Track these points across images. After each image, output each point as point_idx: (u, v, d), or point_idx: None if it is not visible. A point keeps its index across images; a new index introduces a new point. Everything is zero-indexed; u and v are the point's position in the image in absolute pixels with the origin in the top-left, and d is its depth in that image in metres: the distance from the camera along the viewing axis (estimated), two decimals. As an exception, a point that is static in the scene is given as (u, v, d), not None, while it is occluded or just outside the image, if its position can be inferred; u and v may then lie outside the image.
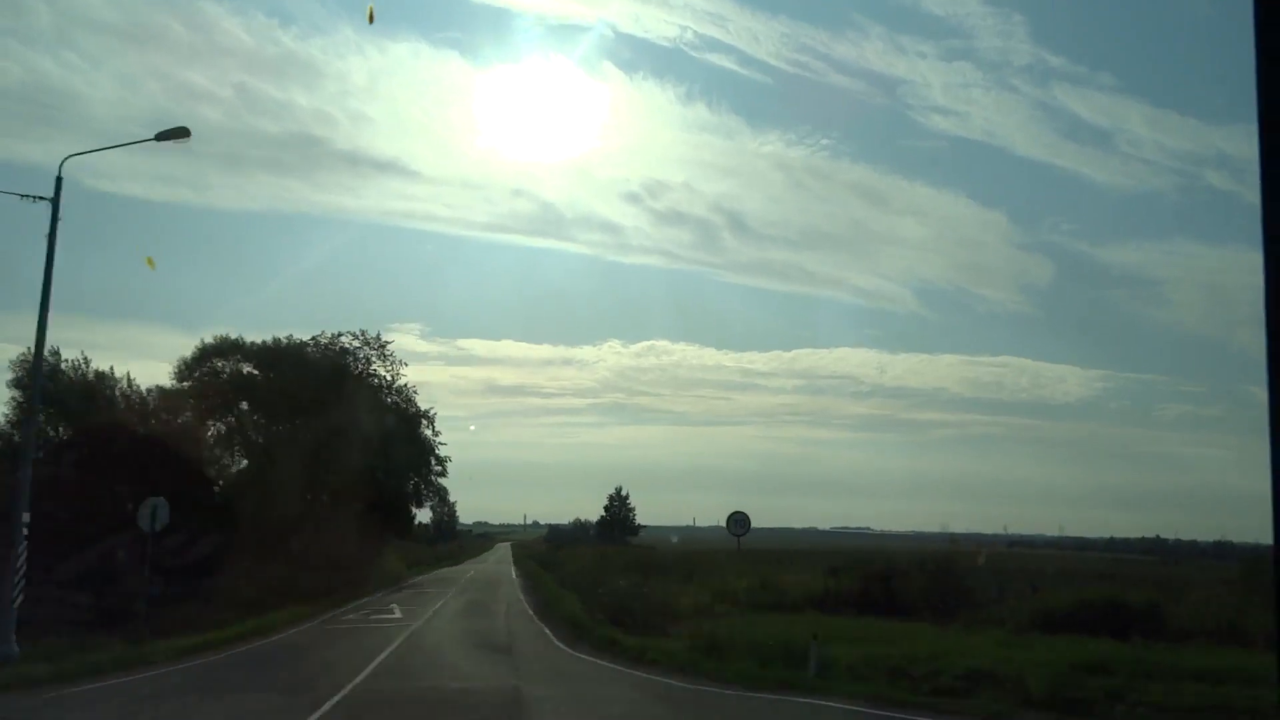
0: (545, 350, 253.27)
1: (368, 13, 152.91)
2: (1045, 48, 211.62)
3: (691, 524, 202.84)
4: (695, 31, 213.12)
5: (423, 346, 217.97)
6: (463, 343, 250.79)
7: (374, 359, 46.43)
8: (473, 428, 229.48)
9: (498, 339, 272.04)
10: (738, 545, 23.56)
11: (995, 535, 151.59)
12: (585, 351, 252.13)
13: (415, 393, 48.81)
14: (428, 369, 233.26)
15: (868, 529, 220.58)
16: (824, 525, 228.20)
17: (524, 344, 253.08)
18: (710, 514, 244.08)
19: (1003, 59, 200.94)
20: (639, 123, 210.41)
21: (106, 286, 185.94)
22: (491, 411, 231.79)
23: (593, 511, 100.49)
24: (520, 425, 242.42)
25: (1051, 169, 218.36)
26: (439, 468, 50.70)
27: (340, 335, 45.62)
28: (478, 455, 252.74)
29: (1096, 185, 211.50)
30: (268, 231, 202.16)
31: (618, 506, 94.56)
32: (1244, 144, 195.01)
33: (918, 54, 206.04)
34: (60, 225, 19.98)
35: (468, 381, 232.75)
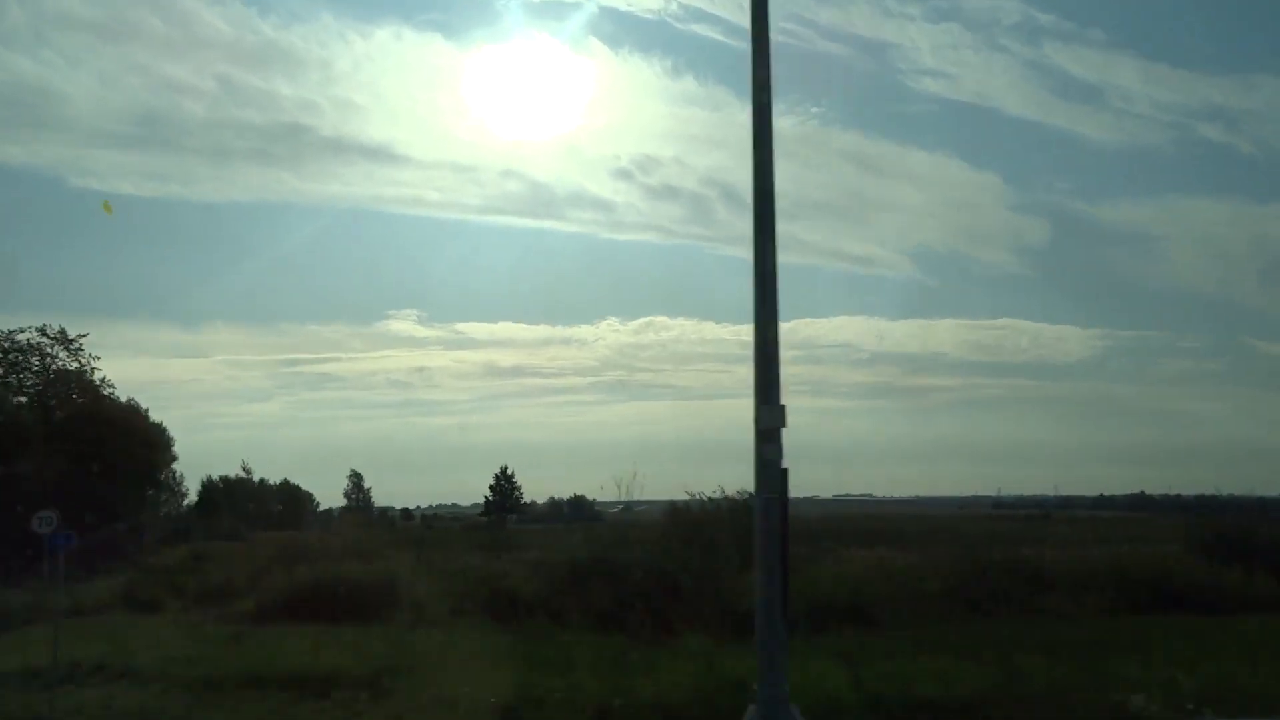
0: (543, 330, 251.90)
1: None
2: (1034, 5, 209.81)
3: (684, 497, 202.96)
4: (680, 3, 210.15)
5: (421, 332, 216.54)
6: (461, 326, 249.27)
7: (61, 355, 42.78)
8: (461, 428, 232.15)
9: (495, 321, 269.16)
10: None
11: (986, 496, 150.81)
12: (583, 330, 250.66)
13: (114, 387, 45.02)
14: (427, 354, 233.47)
15: (870, 495, 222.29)
16: (825, 494, 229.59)
17: (522, 325, 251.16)
18: (730, 487, 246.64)
19: (991, 18, 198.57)
20: (627, 98, 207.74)
21: (100, 286, 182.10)
22: (493, 394, 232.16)
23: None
24: (522, 406, 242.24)
25: (1044, 128, 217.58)
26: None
27: (20, 332, 41.78)
28: (481, 438, 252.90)
29: (1090, 143, 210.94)
30: (258, 223, 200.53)
31: (505, 487, 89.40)
32: (1236, 95, 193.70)
33: (905, 16, 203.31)
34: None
35: (468, 365, 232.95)
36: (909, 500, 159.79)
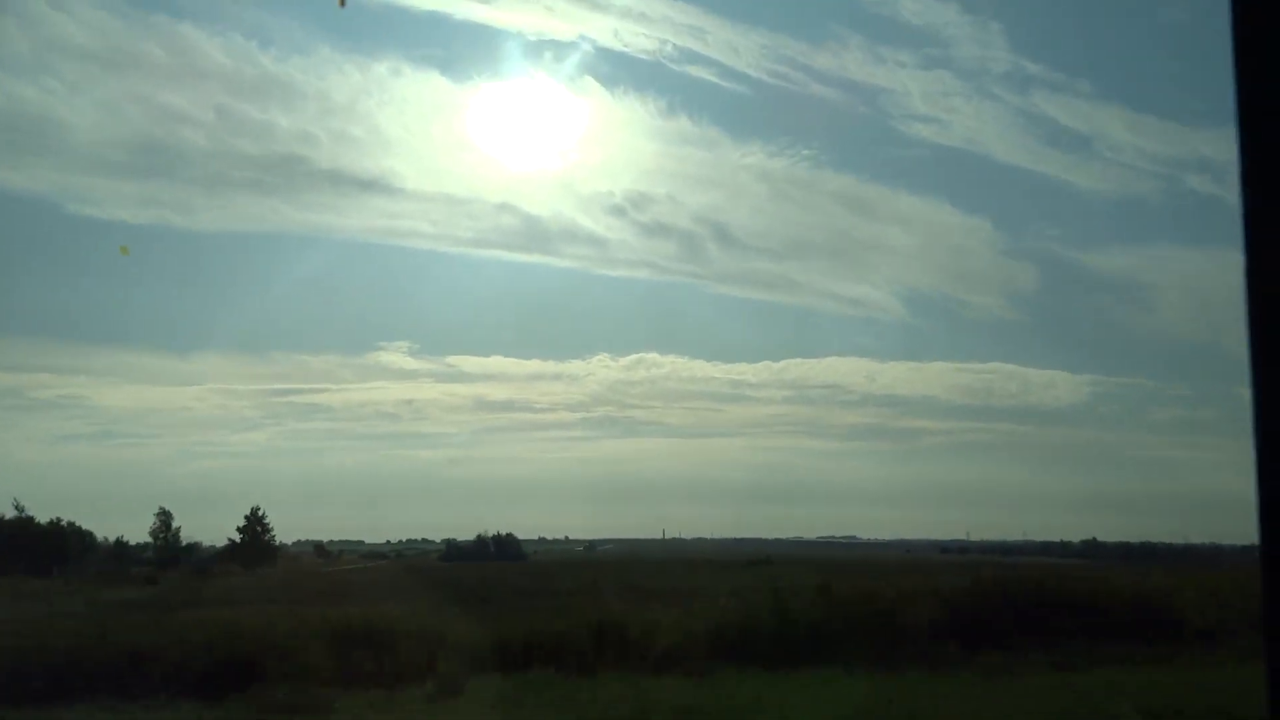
0: (535, 365, 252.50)
1: None
2: (1023, 55, 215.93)
3: (661, 536, 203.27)
4: (675, 45, 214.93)
5: (412, 364, 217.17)
6: (452, 359, 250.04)
7: None
8: (450, 462, 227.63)
9: (487, 355, 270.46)
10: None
11: (953, 540, 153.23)
12: (574, 365, 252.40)
13: None
14: (417, 386, 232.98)
15: (854, 537, 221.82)
16: (810, 535, 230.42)
17: (513, 359, 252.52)
18: (704, 526, 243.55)
19: (981, 67, 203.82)
20: (621, 136, 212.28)
21: (94, 311, 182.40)
22: (483, 427, 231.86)
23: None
24: (512, 441, 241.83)
25: (1034, 175, 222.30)
26: None
27: None
28: (470, 472, 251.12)
29: (1079, 191, 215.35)
30: (253, 252, 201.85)
31: (255, 529, 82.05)
32: (1224, 148, 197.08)
33: (897, 63, 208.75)
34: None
35: (458, 398, 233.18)
36: (891, 543, 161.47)
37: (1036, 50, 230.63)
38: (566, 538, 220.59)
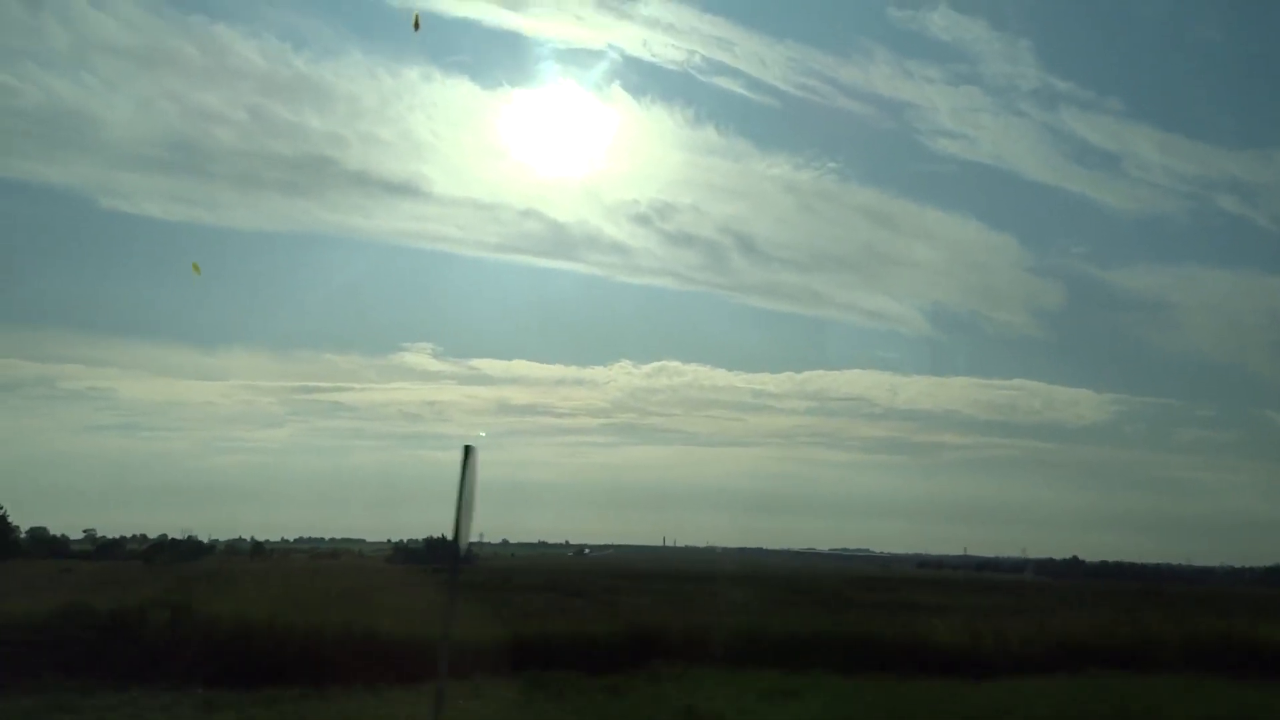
0: (557, 370, 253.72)
1: (414, 20, 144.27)
2: (1052, 72, 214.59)
3: (661, 543, 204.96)
4: (703, 55, 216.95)
5: (435, 366, 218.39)
6: (475, 362, 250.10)
7: None
8: (483, 433, 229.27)
9: (509, 359, 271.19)
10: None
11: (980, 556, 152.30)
12: (597, 372, 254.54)
13: None
14: (440, 388, 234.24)
15: (867, 550, 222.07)
16: (824, 547, 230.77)
17: (536, 364, 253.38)
18: (717, 535, 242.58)
19: (1009, 83, 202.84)
20: (647, 145, 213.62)
21: (124, 305, 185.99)
22: (505, 430, 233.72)
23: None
24: (533, 445, 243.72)
25: (1061, 192, 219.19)
26: None
27: None
28: (493, 475, 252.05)
29: (1106, 209, 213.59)
30: (281, 251, 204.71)
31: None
32: (1254, 168, 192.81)
33: (924, 78, 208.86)
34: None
35: (480, 401, 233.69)
36: (903, 557, 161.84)
37: (1066, 67, 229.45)
38: (567, 542, 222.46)
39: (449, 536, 8.72)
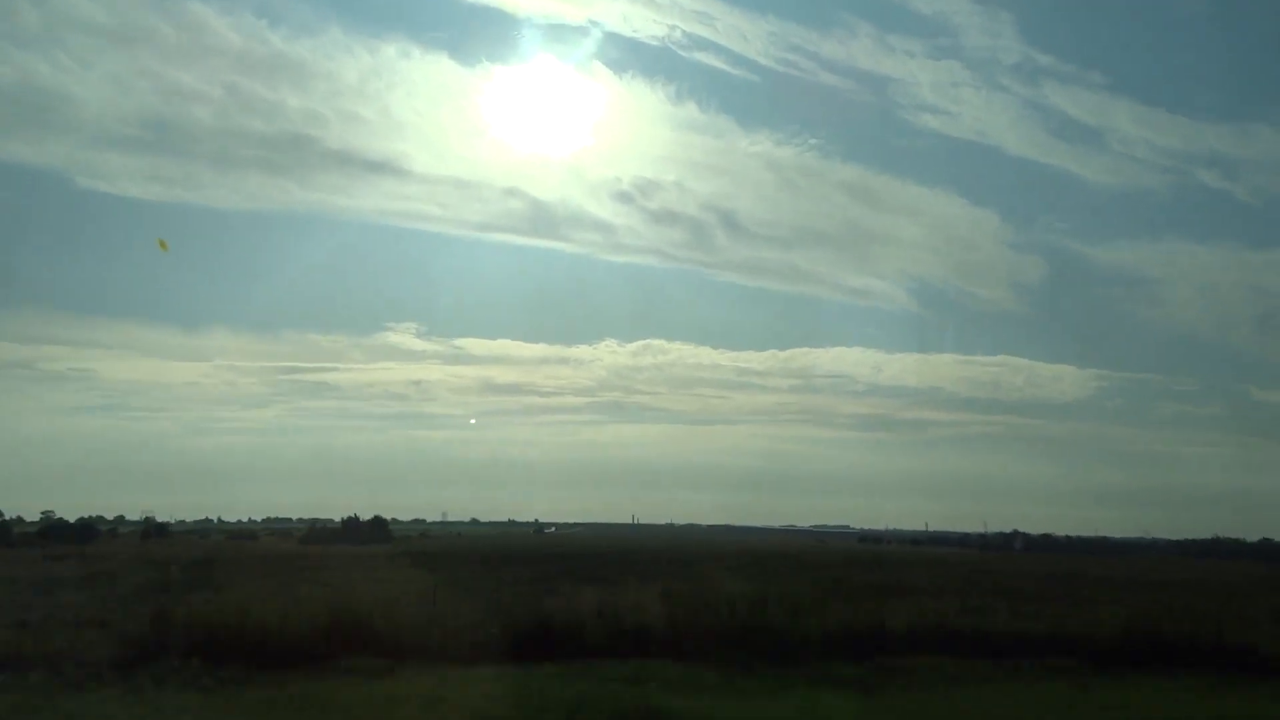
0: (542, 349, 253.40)
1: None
2: (1034, 46, 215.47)
3: (631, 521, 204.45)
4: (684, 30, 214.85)
5: (419, 345, 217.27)
6: (459, 342, 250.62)
7: None
8: (473, 421, 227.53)
9: (494, 338, 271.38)
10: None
11: (957, 532, 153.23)
12: (582, 350, 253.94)
13: None
14: (425, 368, 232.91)
15: (846, 527, 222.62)
16: (803, 523, 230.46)
17: (521, 343, 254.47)
18: (702, 513, 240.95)
19: (991, 58, 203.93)
20: (629, 122, 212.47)
21: (104, 285, 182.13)
22: (490, 409, 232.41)
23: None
24: (519, 424, 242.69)
25: (1042, 168, 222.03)
26: None
27: None
28: (477, 453, 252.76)
29: (1088, 184, 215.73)
30: (262, 230, 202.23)
31: None
32: (1235, 143, 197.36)
33: (906, 53, 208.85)
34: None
35: (465, 380, 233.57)
36: (880, 533, 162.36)
37: (1047, 41, 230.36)
38: (536, 520, 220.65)
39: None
